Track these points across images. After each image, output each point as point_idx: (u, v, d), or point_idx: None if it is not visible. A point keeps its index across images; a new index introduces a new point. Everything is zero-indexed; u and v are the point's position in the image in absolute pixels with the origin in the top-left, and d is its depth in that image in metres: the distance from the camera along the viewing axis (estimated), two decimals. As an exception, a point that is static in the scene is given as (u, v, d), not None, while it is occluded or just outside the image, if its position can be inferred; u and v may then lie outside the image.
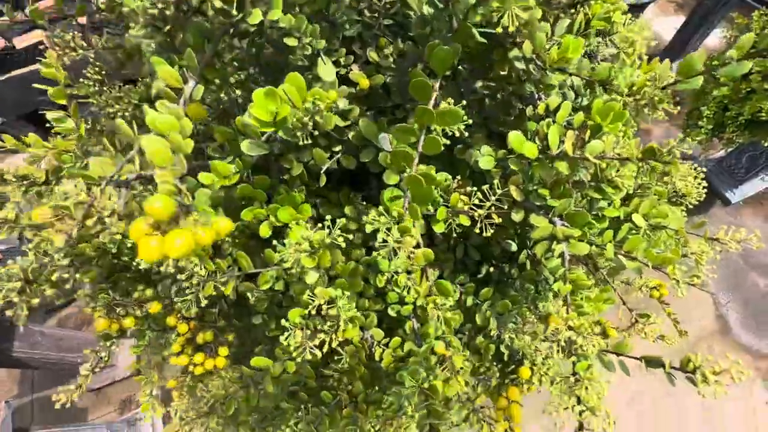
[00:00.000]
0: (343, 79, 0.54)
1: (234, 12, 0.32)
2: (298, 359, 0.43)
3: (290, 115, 0.34)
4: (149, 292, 0.53)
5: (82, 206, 0.33)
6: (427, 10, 0.39)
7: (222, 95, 0.41)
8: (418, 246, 0.38)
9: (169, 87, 0.35)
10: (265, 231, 0.48)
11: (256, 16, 0.35)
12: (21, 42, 1.97)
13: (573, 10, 0.42)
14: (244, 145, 0.38)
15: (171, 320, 0.65)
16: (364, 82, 0.52)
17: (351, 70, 0.55)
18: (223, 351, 0.62)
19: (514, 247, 0.65)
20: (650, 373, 0.50)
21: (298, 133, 0.34)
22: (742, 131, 2.03)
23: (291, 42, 0.38)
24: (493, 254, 0.66)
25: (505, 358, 0.59)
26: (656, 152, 0.37)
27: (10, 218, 0.44)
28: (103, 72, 0.64)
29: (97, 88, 0.63)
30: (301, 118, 0.34)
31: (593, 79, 0.47)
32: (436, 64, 0.36)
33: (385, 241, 0.35)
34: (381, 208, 0.35)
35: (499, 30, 0.33)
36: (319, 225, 0.41)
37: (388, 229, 0.36)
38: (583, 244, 0.43)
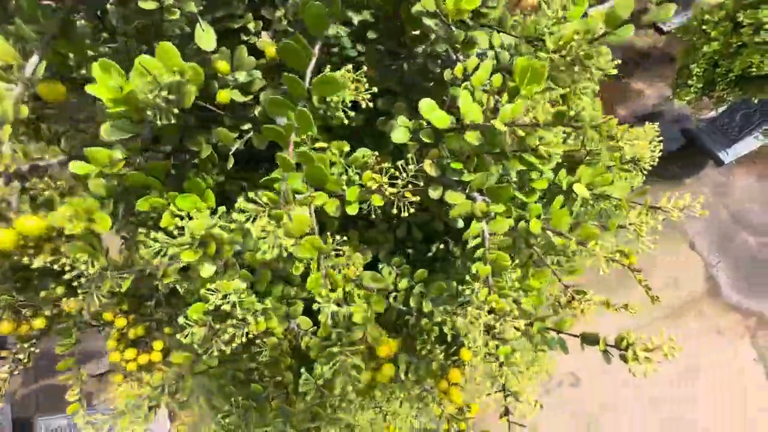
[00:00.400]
0: (252, 49, 0.49)
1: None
2: (204, 356, 0.40)
3: (139, 91, 0.29)
4: (60, 289, 0.50)
5: None
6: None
7: (83, 71, 0.37)
8: (311, 233, 0.35)
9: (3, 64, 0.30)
10: (167, 221, 0.44)
11: None
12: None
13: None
14: (104, 130, 0.33)
15: (107, 315, 0.62)
16: (271, 51, 0.46)
17: (260, 37, 0.50)
18: (158, 345, 0.60)
19: (460, 224, 0.61)
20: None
21: (149, 112, 0.30)
22: (732, 88, 1.96)
23: (147, 5, 0.33)
24: (438, 232, 0.63)
25: (449, 339, 0.57)
26: (564, 116, 0.33)
27: None
28: None
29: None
30: (154, 94, 0.29)
31: (520, 35, 0.42)
32: (311, 22, 0.31)
33: (264, 230, 0.31)
34: (252, 194, 0.31)
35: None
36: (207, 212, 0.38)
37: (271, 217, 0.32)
38: (505, 220, 0.39)
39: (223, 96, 0.38)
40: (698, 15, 1.85)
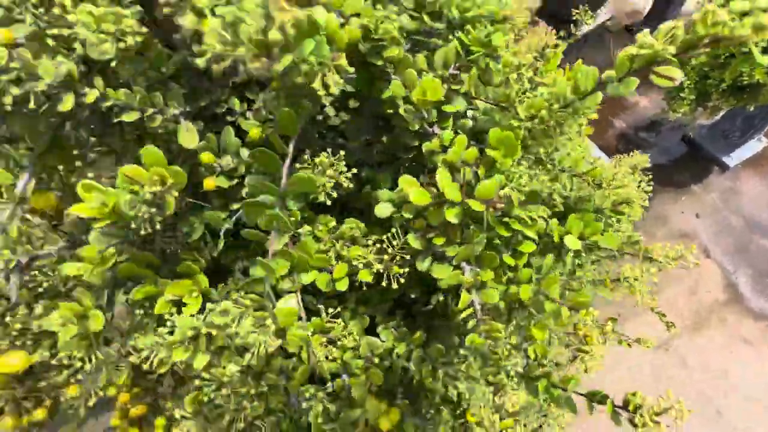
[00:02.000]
0: (238, 127, 0.51)
1: (31, 104, 0.29)
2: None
3: (122, 205, 0.30)
4: (60, 378, 0.50)
5: None
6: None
7: (73, 179, 0.38)
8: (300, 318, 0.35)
9: (-3, 187, 0.32)
10: (162, 307, 0.45)
11: (91, 95, 0.32)
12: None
13: (451, 36, 0.38)
14: (93, 238, 0.34)
15: (112, 390, 0.62)
16: (255, 132, 0.48)
17: (247, 118, 0.51)
18: (160, 422, 0.59)
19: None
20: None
21: (133, 225, 0.30)
22: (726, 98, 1.96)
23: (129, 117, 0.34)
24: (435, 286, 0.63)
25: (455, 399, 0.56)
26: (537, 195, 0.33)
27: None
28: None
29: None
30: (136, 210, 0.30)
31: (494, 101, 0.43)
32: (284, 128, 0.32)
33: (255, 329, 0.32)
34: (236, 295, 0.32)
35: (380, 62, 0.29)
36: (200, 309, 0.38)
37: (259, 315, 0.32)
38: (494, 290, 0.39)
39: (209, 184, 0.39)
40: (683, 29, 1.87)
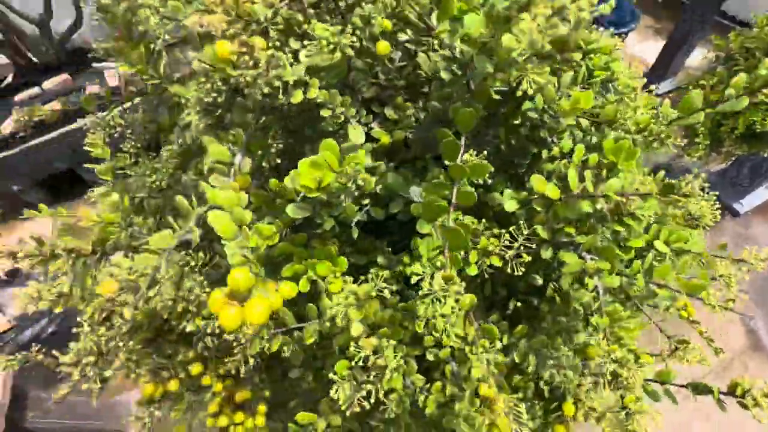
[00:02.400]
0: (365, 136, 0.58)
1: (280, 96, 0.37)
2: (347, 413, 0.43)
3: (333, 181, 0.37)
4: (191, 353, 0.54)
5: (146, 278, 0.35)
6: (445, 75, 0.43)
7: (263, 164, 0.45)
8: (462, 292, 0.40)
9: (219, 162, 0.39)
10: (303, 286, 0.50)
11: (297, 96, 0.40)
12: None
13: (575, 63, 0.47)
14: (290, 210, 0.40)
15: (206, 380, 0.65)
16: (386, 139, 0.56)
17: (372, 127, 0.59)
18: (262, 408, 0.62)
19: (539, 281, 0.66)
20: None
21: (341, 196, 0.37)
22: (740, 144, 2.07)
23: (325, 113, 0.42)
24: (519, 289, 0.68)
25: (546, 394, 0.59)
26: (675, 188, 0.40)
27: (65, 292, 0.47)
28: (138, 146, 0.69)
29: (133, 160, 0.68)
30: (343, 182, 0.37)
31: (601, 120, 0.51)
32: (461, 123, 0.39)
33: (430, 290, 0.37)
34: (424, 259, 0.38)
35: (519, 93, 0.37)
36: (362, 278, 0.43)
37: (432, 278, 0.38)
38: (615, 277, 0.45)
39: (372, 183, 0.46)
40: (690, 81, 2.00)
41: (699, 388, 0.49)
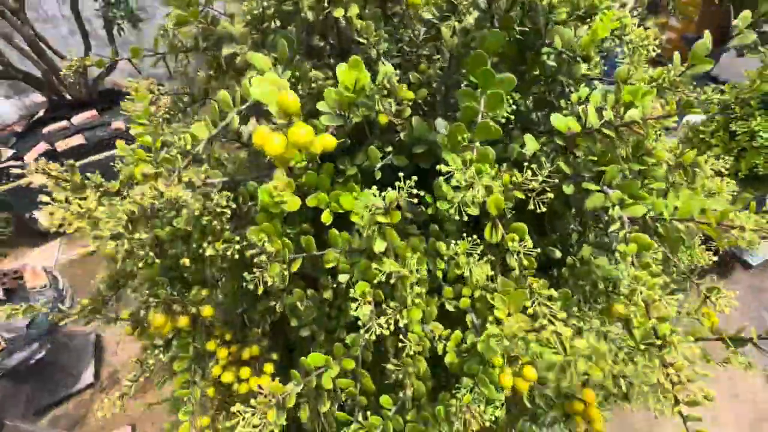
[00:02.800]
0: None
1: (325, 3, 0.40)
2: (370, 337, 0.41)
3: (368, 85, 0.39)
4: (204, 292, 0.53)
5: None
6: (471, 19, 0.47)
7: (299, 87, 0.48)
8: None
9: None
10: (326, 217, 0.50)
11: (339, 11, 0.44)
12: (61, 146, 2.27)
13: (589, 20, 0.51)
14: (324, 118, 0.42)
15: (211, 345, 0.62)
16: (410, 95, 0.59)
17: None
18: (268, 368, 0.59)
19: (558, 254, 0.65)
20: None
21: (377, 97, 0.39)
22: (744, 187, 2.10)
23: (361, 39, 0.46)
24: (539, 264, 0.67)
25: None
26: (671, 109, 0.42)
27: (92, 208, 0.47)
28: (171, 113, 0.73)
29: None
30: (378, 86, 0.39)
31: (614, 79, 0.54)
32: (488, 47, 0.43)
33: (457, 186, 0.38)
34: (458, 158, 0.39)
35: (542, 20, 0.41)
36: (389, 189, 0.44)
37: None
38: (639, 205, 0.45)
39: (404, 89, 0.48)
40: (690, 132, 2.09)
41: (736, 341, 0.46)
